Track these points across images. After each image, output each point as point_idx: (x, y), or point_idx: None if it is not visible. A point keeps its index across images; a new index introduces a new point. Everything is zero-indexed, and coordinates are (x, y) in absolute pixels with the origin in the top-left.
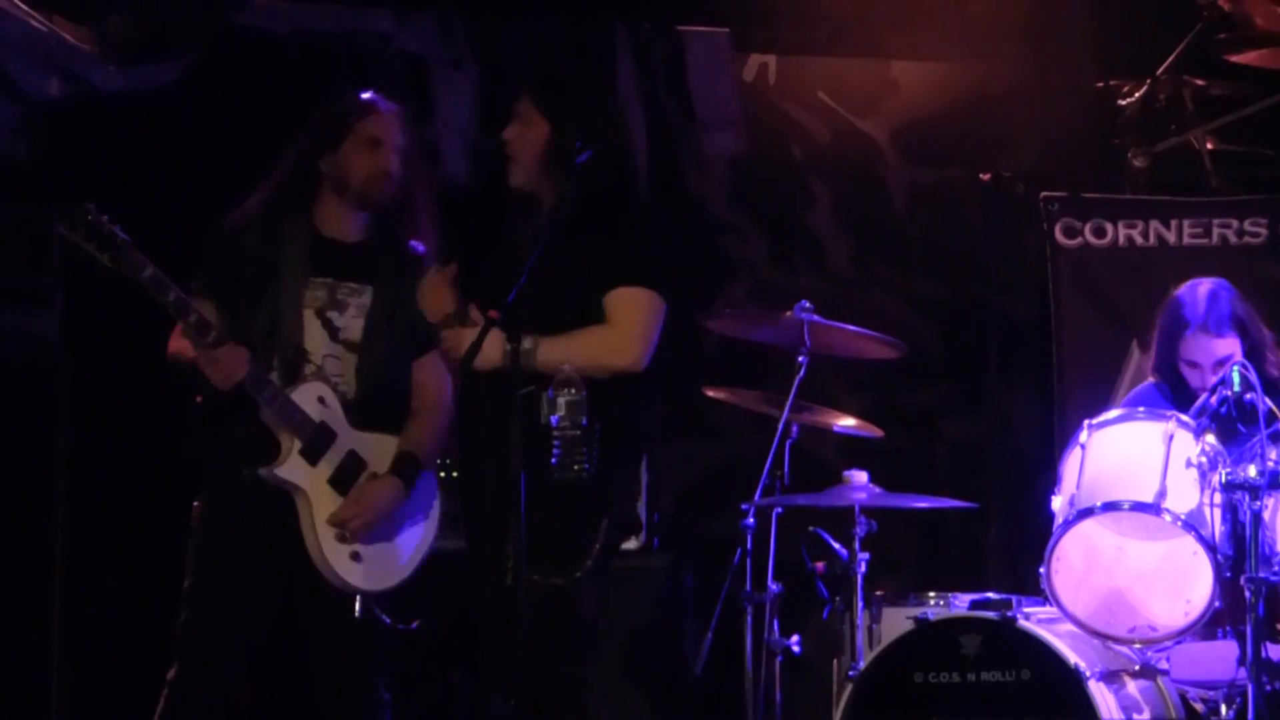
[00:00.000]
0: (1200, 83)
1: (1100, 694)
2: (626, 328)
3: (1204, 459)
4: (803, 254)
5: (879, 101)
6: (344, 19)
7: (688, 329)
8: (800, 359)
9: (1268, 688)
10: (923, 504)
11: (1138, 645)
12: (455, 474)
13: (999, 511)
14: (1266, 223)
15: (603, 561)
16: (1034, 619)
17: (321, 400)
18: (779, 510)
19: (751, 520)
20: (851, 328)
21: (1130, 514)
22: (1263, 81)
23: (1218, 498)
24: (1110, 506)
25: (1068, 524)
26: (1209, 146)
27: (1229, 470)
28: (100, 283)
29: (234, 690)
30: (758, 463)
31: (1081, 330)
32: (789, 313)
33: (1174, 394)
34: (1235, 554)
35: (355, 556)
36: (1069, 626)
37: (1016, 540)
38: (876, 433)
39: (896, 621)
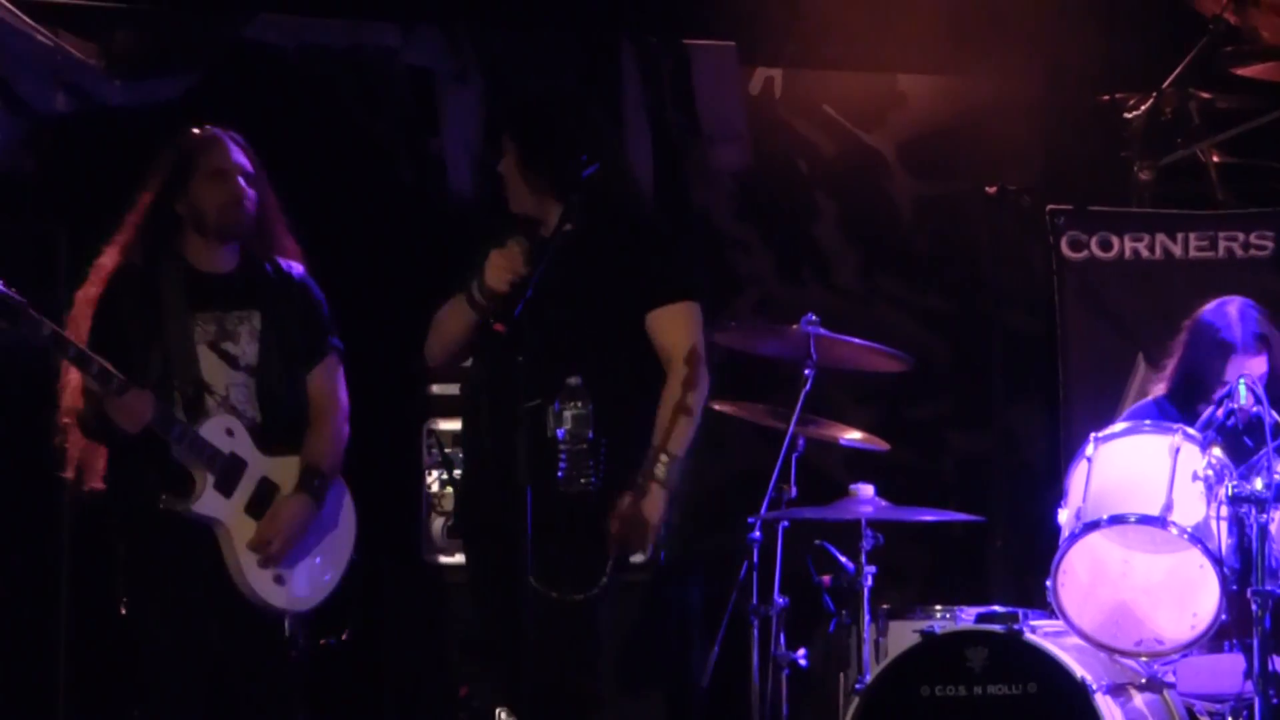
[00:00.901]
0: (1206, 96)
1: (1107, 707)
2: (679, 362)
3: (1210, 472)
4: (809, 267)
5: (885, 115)
6: (350, 33)
7: None
8: (806, 372)
9: (1274, 701)
10: (929, 517)
11: (1144, 658)
12: (456, 474)
13: (1005, 525)
14: (1273, 236)
15: (615, 576)
16: (1040, 632)
17: (229, 432)
18: (785, 524)
19: (758, 534)
20: (858, 341)
21: (1136, 527)
22: (1269, 94)
23: (1224, 511)
24: (1116, 520)
25: (1074, 537)
26: (1215, 159)
27: (1235, 483)
28: None
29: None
30: (764, 476)
31: (1087, 343)
32: (795, 326)
33: (1181, 413)
34: (1242, 567)
35: (279, 579)
36: (1075, 640)
37: (1023, 553)
38: (883, 446)
39: (903, 635)
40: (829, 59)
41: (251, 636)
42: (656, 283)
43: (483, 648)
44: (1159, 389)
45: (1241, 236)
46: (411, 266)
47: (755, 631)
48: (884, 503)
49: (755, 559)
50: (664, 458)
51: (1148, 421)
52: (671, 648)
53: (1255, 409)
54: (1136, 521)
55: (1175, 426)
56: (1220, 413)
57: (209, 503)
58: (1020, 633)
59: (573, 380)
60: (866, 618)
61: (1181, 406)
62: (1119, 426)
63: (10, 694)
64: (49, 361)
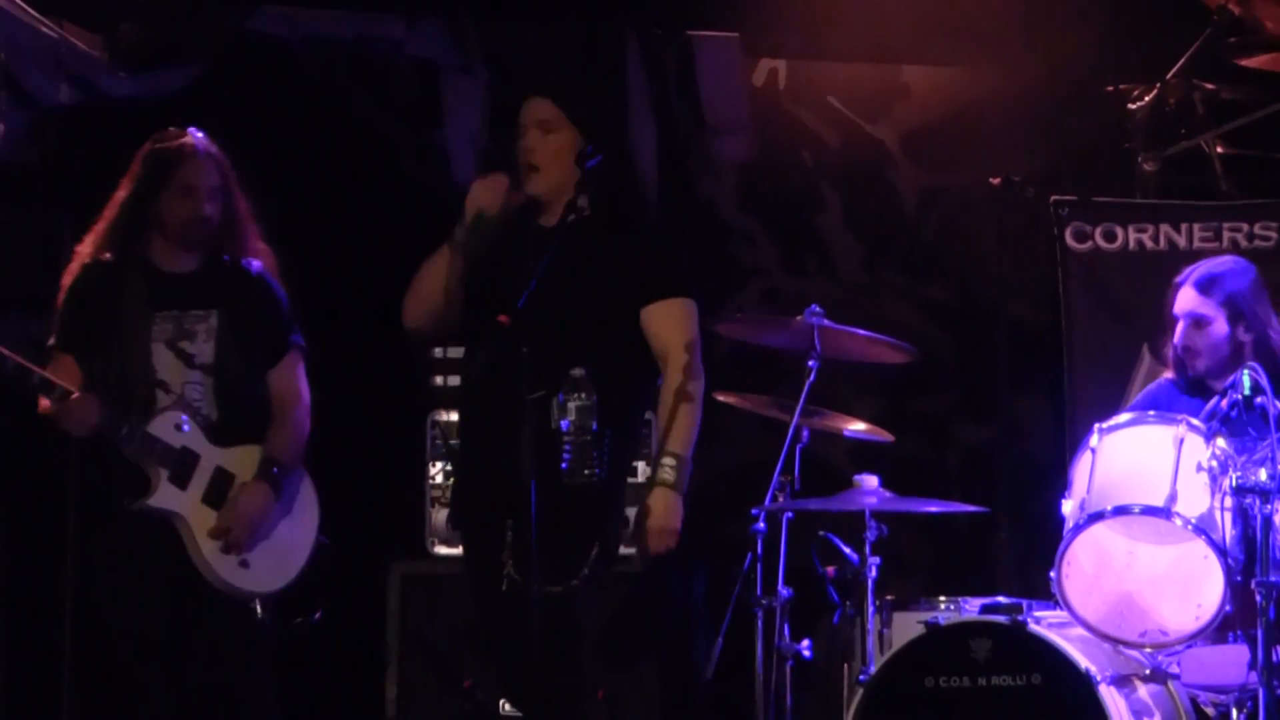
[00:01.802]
0: (1210, 87)
1: (1111, 698)
2: (678, 351)
3: (1215, 463)
4: (813, 259)
5: (889, 106)
6: (354, 25)
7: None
8: (811, 364)
9: (1279, 692)
10: (933, 508)
11: (1149, 649)
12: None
13: (1009, 516)
14: (1276, 227)
15: (600, 569)
16: (1044, 623)
17: (178, 427)
18: (789, 515)
19: (762, 525)
20: (862, 332)
21: (1141, 518)
22: (1273, 85)
23: (1228, 502)
24: (1121, 510)
25: (1078, 528)
26: (1219, 150)
27: (1240, 474)
28: None
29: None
30: (768, 467)
31: (1092, 334)
32: (799, 317)
33: (1187, 387)
34: (1246, 558)
35: (244, 564)
36: (1080, 631)
37: (1027, 544)
38: (887, 437)
39: (907, 626)
40: (833, 50)
41: (222, 620)
42: (651, 279)
43: (482, 639)
44: (1168, 371)
45: (1246, 227)
46: (415, 258)
47: (759, 623)
48: (888, 494)
49: (759, 550)
50: (670, 460)
51: (1152, 412)
52: (675, 639)
53: (1259, 399)
54: (1141, 512)
55: (1179, 417)
56: (1225, 403)
57: (165, 496)
58: (1024, 624)
59: (576, 371)
60: (871, 609)
61: (1181, 376)
62: (1123, 417)
63: (15, 697)
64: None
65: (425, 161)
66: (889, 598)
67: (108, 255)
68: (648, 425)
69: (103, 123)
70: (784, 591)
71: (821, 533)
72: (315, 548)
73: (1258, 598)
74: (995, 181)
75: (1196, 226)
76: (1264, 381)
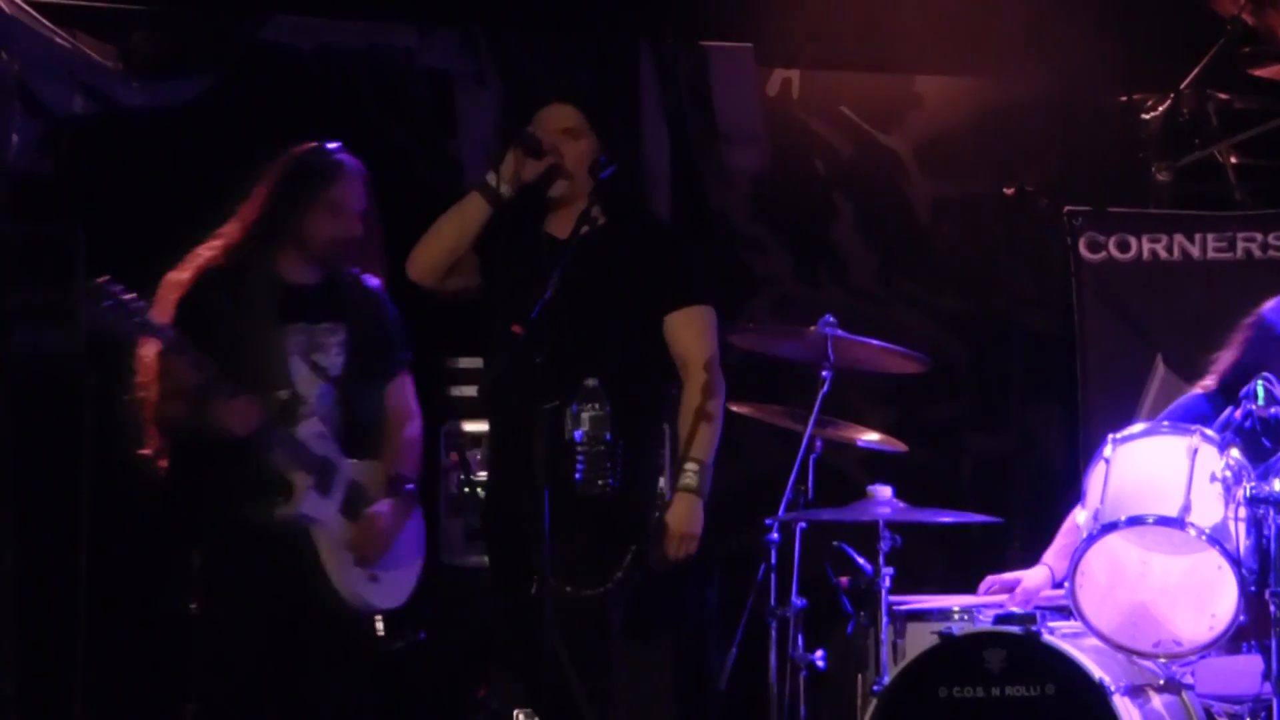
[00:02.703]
0: (1224, 97)
1: (1125, 709)
2: (700, 359)
3: (1229, 473)
4: (826, 268)
5: (902, 116)
6: (367, 34)
7: None
8: (824, 374)
9: None
10: (947, 519)
11: (1162, 660)
12: (478, 489)
13: (1023, 526)
14: None
15: (634, 575)
16: (1058, 633)
17: (321, 436)
18: (803, 525)
19: (776, 535)
20: (875, 342)
21: (1155, 528)
22: None
23: (1242, 512)
24: (1134, 521)
25: (1092, 538)
26: (1233, 160)
27: (1254, 485)
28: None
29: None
30: (781, 478)
31: (1105, 344)
32: (813, 327)
33: (1224, 402)
34: (1260, 568)
35: (373, 579)
36: (1093, 641)
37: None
38: (900, 447)
39: (921, 636)
40: (846, 60)
41: (341, 637)
42: (673, 286)
43: (503, 648)
44: (1208, 382)
45: (1260, 237)
46: None
47: (773, 633)
48: (902, 504)
49: (773, 560)
50: (692, 466)
51: (1165, 422)
52: (689, 649)
53: (1273, 410)
54: (1154, 522)
55: (1193, 428)
56: (1239, 414)
57: (312, 504)
58: (1038, 634)
59: (590, 382)
60: (884, 619)
61: (1231, 401)
62: (1137, 427)
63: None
64: (73, 377)
65: (438, 171)
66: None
67: (229, 261)
68: (664, 434)
69: (116, 133)
70: (797, 601)
71: (835, 543)
72: (422, 568)
73: (1272, 608)
74: (1009, 191)
75: (1210, 237)
76: (1278, 392)
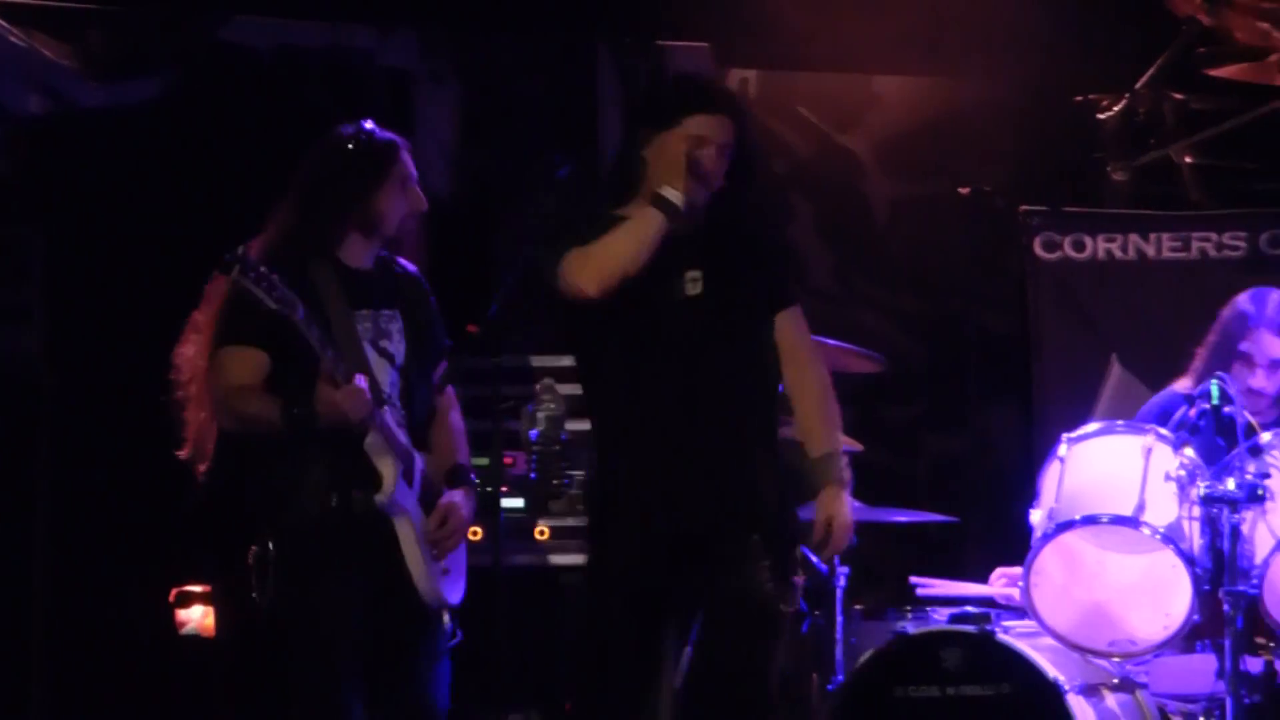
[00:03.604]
0: (1180, 97)
1: (1080, 707)
2: (810, 357)
3: (1183, 472)
4: None
5: (860, 116)
6: (326, 34)
7: None
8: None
9: (1246, 701)
10: (903, 518)
11: (1117, 659)
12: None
13: (979, 526)
14: (1245, 236)
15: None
16: (1013, 632)
17: (400, 424)
18: None
19: None
20: (832, 342)
21: (1109, 527)
22: (1242, 96)
23: (1197, 511)
24: (1089, 520)
25: (1046, 537)
26: (1188, 160)
27: (1208, 484)
28: (83, 299)
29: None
30: None
31: (1061, 344)
32: None
33: None
34: (1214, 567)
35: (445, 572)
36: (1048, 640)
37: (996, 554)
38: (856, 447)
39: (876, 635)
40: (804, 60)
41: (414, 631)
42: (783, 285)
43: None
44: (1185, 382)
45: (1215, 237)
46: None
47: None
48: (857, 503)
49: None
50: (837, 458)
51: (1120, 422)
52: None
53: (1227, 409)
54: (1109, 522)
55: (1148, 427)
56: (1193, 413)
57: (401, 493)
58: (993, 633)
59: (546, 381)
60: (840, 618)
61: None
62: (1091, 427)
63: None
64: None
65: None
66: (858, 607)
67: (288, 254)
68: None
69: (74, 133)
70: None
71: None
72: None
73: (1225, 607)
74: (965, 191)
75: (1165, 236)
76: (1231, 391)
